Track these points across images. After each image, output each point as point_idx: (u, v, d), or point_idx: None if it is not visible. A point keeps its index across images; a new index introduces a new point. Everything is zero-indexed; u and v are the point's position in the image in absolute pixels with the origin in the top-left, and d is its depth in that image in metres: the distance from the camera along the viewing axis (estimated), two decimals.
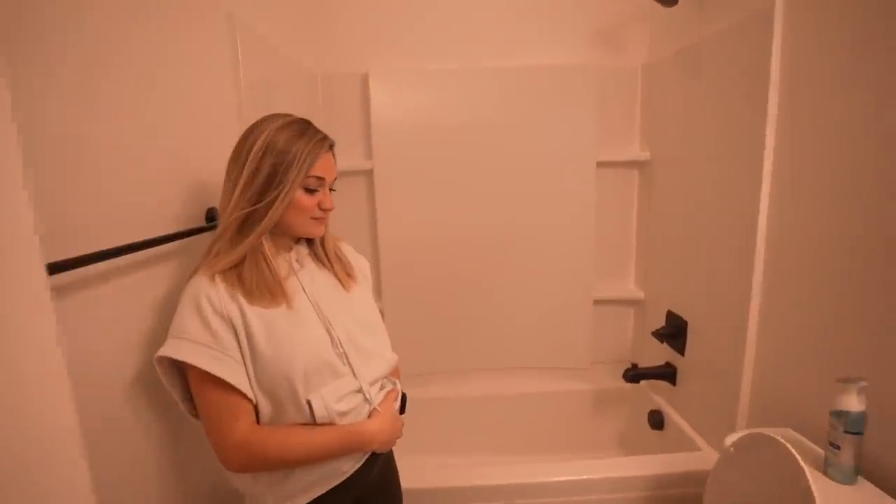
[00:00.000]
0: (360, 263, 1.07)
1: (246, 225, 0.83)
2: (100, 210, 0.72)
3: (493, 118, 1.88)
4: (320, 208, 0.88)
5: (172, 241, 0.86)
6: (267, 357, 0.79)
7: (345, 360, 0.87)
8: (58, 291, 0.63)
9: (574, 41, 1.90)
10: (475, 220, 1.95)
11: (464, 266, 1.98)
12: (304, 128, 0.85)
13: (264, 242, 0.84)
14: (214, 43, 1.11)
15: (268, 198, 0.81)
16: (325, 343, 0.86)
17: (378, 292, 1.98)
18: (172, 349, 0.76)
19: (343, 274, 0.98)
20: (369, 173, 1.92)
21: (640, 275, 2.01)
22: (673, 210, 1.74)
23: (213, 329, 0.78)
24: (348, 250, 1.06)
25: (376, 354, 0.95)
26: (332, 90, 1.89)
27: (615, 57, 1.90)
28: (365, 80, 1.86)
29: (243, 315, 0.79)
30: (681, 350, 1.69)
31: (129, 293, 0.80)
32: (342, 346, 0.87)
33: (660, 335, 1.77)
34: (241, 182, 0.82)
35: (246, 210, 0.81)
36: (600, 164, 1.92)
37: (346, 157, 1.92)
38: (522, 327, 2.03)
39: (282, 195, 0.82)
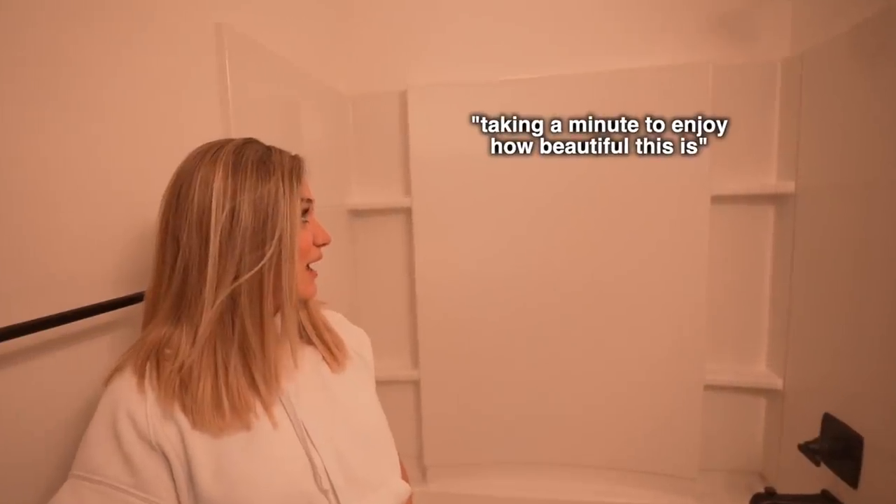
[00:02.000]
0: (357, 341, 0.82)
1: (232, 310, 0.60)
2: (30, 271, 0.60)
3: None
4: (315, 244, 0.69)
5: (116, 308, 0.69)
6: (213, 500, 0.56)
7: (332, 497, 0.62)
8: None
9: (677, 33, 1.40)
10: (541, 273, 1.50)
11: (526, 330, 1.53)
12: (262, 147, 0.64)
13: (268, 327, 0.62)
14: (199, 59, 0.92)
15: (269, 251, 0.59)
16: (303, 477, 0.61)
17: (415, 359, 1.60)
18: (73, 495, 0.54)
19: (331, 352, 0.73)
20: (407, 212, 1.57)
21: (777, 354, 1.42)
22: (836, 263, 1.15)
23: (137, 466, 0.55)
24: (338, 321, 0.82)
25: (379, 485, 0.69)
26: (365, 113, 1.58)
27: (741, 51, 1.37)
28: (403, 100, 1.52)
29: (183, 440, 0.56)
30: (851, 479, 1.09)
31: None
32: (329, 479, 0.62)
33: (813, 451, 1.19)
34: (214, 250, 0.58)
35: (239, 282, 0.59)
36: (717, 199, 1.39)
37: (380, 192, 1.59)
38: (603, 414, 1.52)
39: (284, 242, 0.60)
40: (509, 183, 1.48)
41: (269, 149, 0.64)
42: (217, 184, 0.58)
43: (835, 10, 1.16)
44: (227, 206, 0.58)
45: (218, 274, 0.58)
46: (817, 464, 1.20)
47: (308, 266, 0.69)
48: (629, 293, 1.47)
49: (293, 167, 0.63)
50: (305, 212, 0.67)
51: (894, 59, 0.96)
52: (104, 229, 0.71)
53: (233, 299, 0.59)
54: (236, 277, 0.59)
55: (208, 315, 0.58)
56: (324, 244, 0.70)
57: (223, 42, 0.95)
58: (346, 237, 1.56)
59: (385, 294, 1.63)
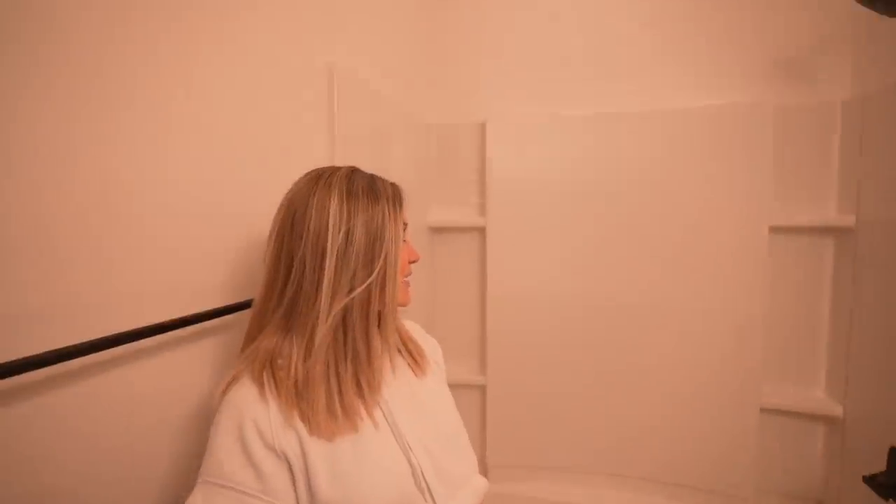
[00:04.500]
0: (431, 347, 0.88)
1: (343, 322, 0.66)
2: (136, 279, 0.64)
3: (631, 172, 1.58)
4: (409, 261, 0.76)
5: (216, 317, 0.75)
6: (329, 501, 0.59)
7: (428, 496, 0.66)
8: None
9: (743, 74, 1.51)
10: (605, 294, 1.63)
11: (589, 346, 1.65)
12: (367, 177, 0.70)
13: (373, 336, 0.68)
14: (310, 94, 1.06)
15: (377, 268, 0.65)
16: (405, 477, 0.65)
17: (483, 365, 1.75)
18: (206, 500, 0.57)
19: (414, 359, 0.79)
20: (482, 231, 1.74)
21: (837, 382, 1.46)
22: None
23: (263, 472, 0.58)
24: (416, 330, 0.88)
25: (464, 483, 0.74)
26: (446, 141, 1.78)
27: (803, 92, 1.47)
28: (482, 130, 1.71)
29: (302, 447, 0.60)
30: None
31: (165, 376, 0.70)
32: (425, 479, 0.66)
33: (880, 485, 1.18)
34: (330, 267, 0.63)
35: (353, 296, 0.64)
36: (775, 230, 1.47)
37: (458, 212, 1.77)
38: (659, 429, 1.60)
39: (389, 263, 0.67)
40: (577, 208, 1.63)
41: (372, 177, 0.71)
42: (333, 208, 0.64)
43: (891, 56, 1.24)
44: (343, 228, 0.63)
45: (333, 289, 0.63)
46: (886, 498, 1.20)
47: (405, 277, 0.76)
48: (688, 314, 1.56)
49: (395, 194, 0.70)
50: (404, 231, 0.72)
51: None
52: (218, 241, 0.79)
53: (344, 312, 0.64)
54: (350, 291, 0.64)
55: (324, 327, 0.63)
56: (414, 261, 0.77)
57: (333, 77, 1.09)
58: (427, 252, 1.74)
59: (458, 305, 1.79)
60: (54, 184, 0.54)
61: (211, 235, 0.77)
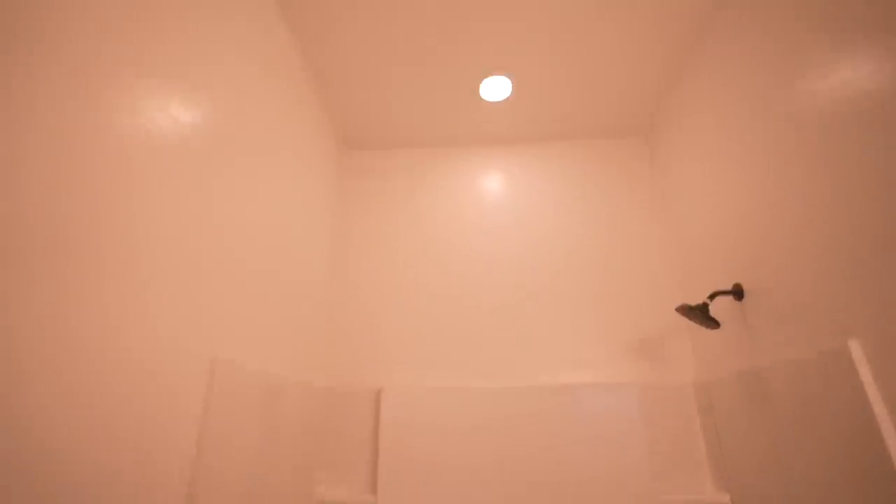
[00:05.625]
0: None
1: None
2: None
3: (524, 446, 1.59)
4: None
5: None
6: None
7: None
8: None
9: (611, 354, 1.72)
10: None
11: None
12: None
13: None
14: (186, 393, 0.96)
15: None
16: None
17: None
18: None
19: None
20: None
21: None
22: None
23: None
24: None
25: None
26: (340, 408, 1.71)
27: (662, 373, 1.68)
28: (378, 397, 1.68)
29: None
30: None
31: None
32: None
33: None
34: None
35: None
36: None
37: (346, 487, 1.60)
38: None
39: None
40: (471, 481, 1.55)
41: None
42: None
43: (732, 350, 1.50)
44: None
45: None
46: None
47: None
48: None
49: None
50: None
51: (774, 404, 1.23)
52: None
53: None
54: None
55: None
56: None
57: (213, 372, 1.02)
58: None
59: None
60: None
61: None
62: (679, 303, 1.75)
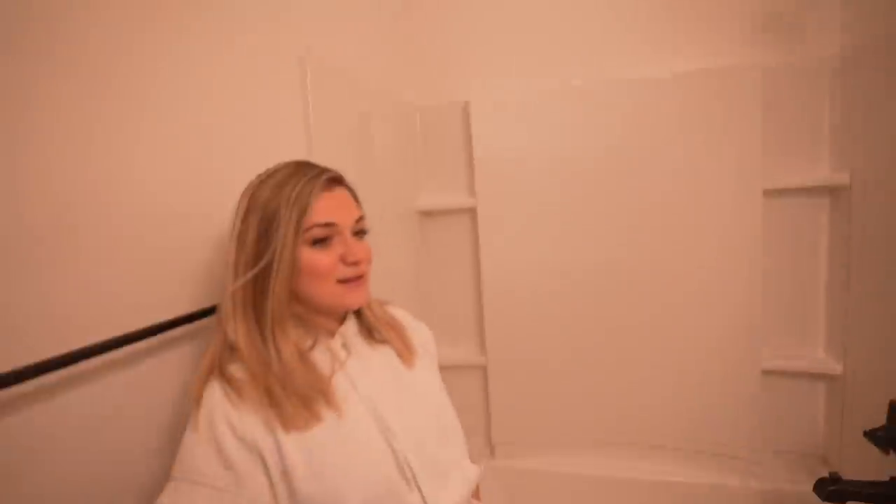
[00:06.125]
0: (421, 334, 0.86)
1: (254, 311, 0.65)
2: (102, 291, 0.62)
3: (622, 141, 1.54)
4: (345, 262, 0.67)
5: (187, 323, 0.72)
6: (310, 496, 0.58)
7: (413, 485, 0.65)
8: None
9: (727, 36, 1.47)
10: (600, 265, 1.61)
11: (587, 319, 1.64)
12: (291, 171, 0.67)
13: (289, 331, 0.66)
14: (283, 85, 1.02)
15: (260, 266, 0.64)
16: (387, 463, 0.65)
17: (482, 346, 1.75)
18: (176, 496, 0.57)
19: (402, 347, 0.78)
20: (472, 212, 1.71)
21: (835, 341, 1.46)
22: (894, 251, 1.21)
23: (236, 466, 0.57)
24: (402, 316, 0.86)
25: (454, 471, 0.73)
26: (431, 123, 1.74)
27: (790, 51, 1.43)
28: (466, 110, 1.67)
29: (276, 441, 0.59)
30: None
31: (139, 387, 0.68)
32: (409, 466, 0.66)
33: (880, 438, 1.20)
34: (233, 254, 0.66)
35: (239, 284, 0.64)
36: (769, 193, 1.45)
37: (448, 194, 1.75)
38: (661, 396, 1.61)
39: (275, 261, 0.63)
40: (567, 181, 1.60)
41: (295, 172, 0.67)
42: (242, 202, 0.67)
43: (882, 9, 1.21)
44: (242, 221, 0.66)
45: (233, 274, 0.65)
46: (887, 452, 1.21)
47: (341, 280, 0.68)
48: (686, 282, 1.54)
49: (300, 194, 0.64)
50: (330, 232, 0.67)
51: None
52: (188, 243, 0.77)
53: (246, 303, 0.65)
54: (237, 278, 0.65)
55: (225, 315, 0.65)
56: (354, 262, 0.68)
57: (305, 68, 1.06)
58: (418, 237, 1.72)
59: (454, 288, 1.78)
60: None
61: (182, 237, 0.75)
62: None
